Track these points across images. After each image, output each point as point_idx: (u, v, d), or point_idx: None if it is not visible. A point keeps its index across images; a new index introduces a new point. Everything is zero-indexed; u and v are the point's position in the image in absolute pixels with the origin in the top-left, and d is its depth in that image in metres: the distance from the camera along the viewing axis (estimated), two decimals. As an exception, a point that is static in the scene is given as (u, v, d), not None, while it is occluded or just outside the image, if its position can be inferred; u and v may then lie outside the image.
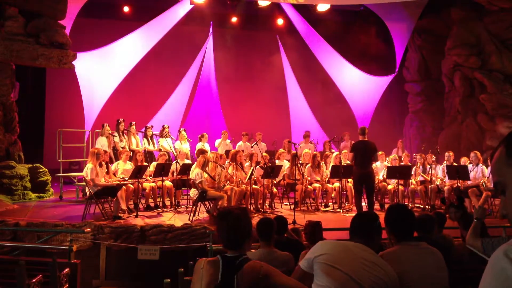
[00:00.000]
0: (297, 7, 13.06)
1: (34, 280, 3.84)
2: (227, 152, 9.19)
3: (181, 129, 10.02)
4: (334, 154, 9.09)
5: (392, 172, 8.47)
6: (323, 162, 9.12)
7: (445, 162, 8.65)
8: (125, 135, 9.32)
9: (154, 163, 8.57)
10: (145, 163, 8.29)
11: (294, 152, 8.99)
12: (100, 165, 7.50)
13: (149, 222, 6.90)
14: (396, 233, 2.66)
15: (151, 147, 9.49)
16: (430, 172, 8.57)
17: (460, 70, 11.74)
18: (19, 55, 8.76)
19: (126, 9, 12.59)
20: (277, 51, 14.24)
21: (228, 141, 10.78)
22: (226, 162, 8.20)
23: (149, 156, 8.98)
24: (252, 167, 8.19)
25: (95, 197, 7.23)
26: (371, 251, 2.32)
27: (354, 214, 8.01)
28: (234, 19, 13.63)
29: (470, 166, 8.28)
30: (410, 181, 8.82)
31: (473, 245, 3.17)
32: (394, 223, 2.66)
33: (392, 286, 2.27)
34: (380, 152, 9.31)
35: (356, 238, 2.42)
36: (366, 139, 7.64)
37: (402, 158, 9.27)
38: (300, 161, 8.79)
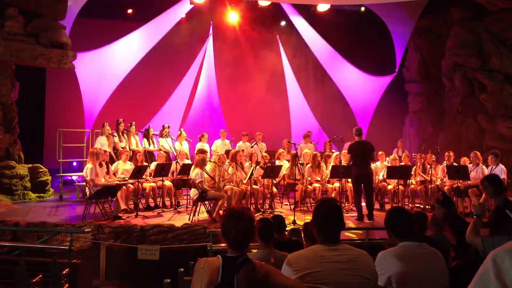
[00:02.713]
0: (297, 7, 13.06)
1: (34, 280, 3.84)
2: (227, 152, 9.19)
3: (181, 129, 10.03)
4: (335, 154, 9.09)
5: (392, 172, 8.47)
6: (323, 162, 9.12)
7: (445, 162, 8.65)
8: (124, 135, 9.32)
9: (153, 163, 8.58)
10: (145, 163, 8.29)
11: (294, 152, 8.99)
12: (100, 165, 7.51)
13: (149, 222, 6.91)
14: (395, 233, 2.68)
15: (151, 147, 9.49)
16: (430, 172, 8.57)
17: (460, 70, 11.74)
18: (19, 55, 8.76)
19: (126, 9, 12.58)
20: (277, 51, 14.23)
21: (227, 140, 10.78)
22: (226, 162, 8.20)
23: (149, 156, 8.99)
24: (252, 167, 8.19)
25: (95, 197, 7.23)
26: (342, 249, 2.22)
27: (354, 215, 7.93)
28: (234, 19, 13.63)
29: (470, 166, 8.28)
30: (410, 181, 8.81)
31: (473, 242, 3.17)
32: (393, 225, 2.69)
33: (374, 277, 2.25)
34: (380, 152, 9.32)
35: (323, 237, 2.26)
36: (362, 139, 7.65)
37: (402, 158, 9.27)
38: (300, 161, 8.79)
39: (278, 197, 9.19)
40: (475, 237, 3.11)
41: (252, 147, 9.86)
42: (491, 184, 3.93)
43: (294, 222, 6.82)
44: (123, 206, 7.43)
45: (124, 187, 7.41)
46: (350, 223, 7.30)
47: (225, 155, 8.43)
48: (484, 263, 1.21)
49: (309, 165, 8.82)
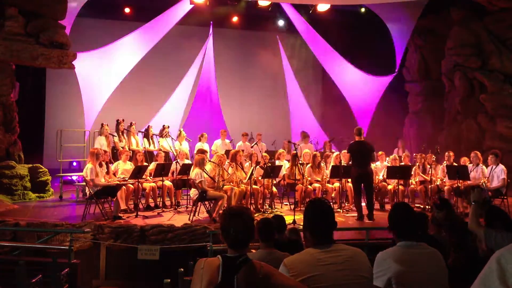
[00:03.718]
0: (297, 7, 13.05)
1: (34, 280, 3.84)
2: (227, 152, 9.19)
3: (180, 130, 10.02)
4: (335, 154, 9.09)
5: (392, 172, 8.47)
6: (324, 163, 9.12)
7: (445, 162, 8.65)
8: (124, 135, 9.32)
9: (152, 163, 8.56)
10: (145, 163, 8.29)
11: (294, 152, 8.99)
12: (100, 165, 7.51)
13: (149, 222, 6.90)
14: (397, 232, 2.66)
15: (151, 147, 9.49)
16: (430, 172, 8.57)
17: (460, 70, 11.73)
18: (19, 55, 8.76)
19: (126, 9, 12.59)
20: (277, 51, 14.23)
21: (227, 140, 10.77)
22: (226, 162, 8.20)
23: (149, 156, 8.99)
24: (252, 167, 8.19)
25: (95, 197, 7.23)
26: (336, 249, 2.20)
27: (354, 215, 7.92)
28: (234, 19, 13.64)
29: (470, 166, 8.27)
30: (410, 181, 8.81)
31: (475, 231, 3.16)
32: (397, 221, 2.66)
33: (371, 275, 2.23)
34: (380, 152, 9.32)
35: (316, 239, 2.22)
36: (362, 139, 7.65)
37: (402, 158, 9.27)
38: (300, 161, 8.79)
39: (278, 197, 9.19)
40: (478, 227, 3.10)
41: (252, 147, 9.86)
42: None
43: (294, 222, 6.82)
44: (123, 206, 7.43)
45: (124, 187, 7.41)
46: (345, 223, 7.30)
47: (225, 155, 8.43)
48: (488, 263, 1.20)
49: (309, 165, 8.82)
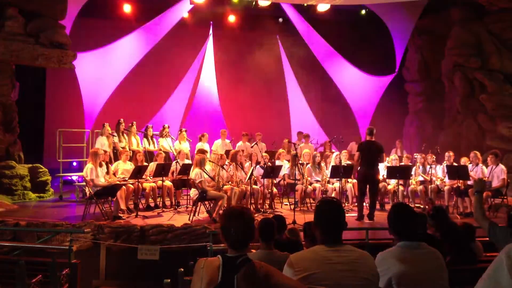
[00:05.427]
0: (297, 7, 13.05)
1: (34, 280, 3.85)
2: (227, 152, 9.19)
3: (182, 129, 10.02)
4: (335, 154, 9.09)
5: (392, 172, 8.47)
6: (324, 163, 9.13)
7: (445, 162, 8.65)
8: (125, 135, 9.31)
9: (152, 163, 8.56)
10: (145, 163, 8.29)
11: (294, 152, 8.99)
12: (100, 165, 7.50)
13: (149, 222, 6.90)
14: (397, 232, 2.66)
15: (151, 147, 9.49)
16: (430, 172, 8.57)
17: (460, 70, 11.73)
18: (19, 55, 8.76)
19: (126, 9, 12.58)
20: (277, 51, 14.23)
21: (227, 140, 10.77)
22: (226, 162, 8.20)
23: (149, 156, 8.99)
24: (252, 167, 8.19)
25: (95, 197, 7.23)
26: (344, 250, 2.20)
27: (354, 215, 7.90)
28: (234, 19, 13.63)
29: (470, 166, 8.28)
30: (410, 181, 8.81)
31: (481, 224, 3.16)
32: (396, 222, 2.66)
33: (375, 278, 2.23)
34: (382, 153, 9.32)
35: (325, 237, 2.24)
36: (373, 139, 7.63)
37: (402, 158, 9.27)
38: (300, 161, 8.79)
39: (278, 197, 9.19)
40: (483, 219, 3.09)
41: (252, 147, 9.86)
42: None
43: (294, 222, 6.82)
44: (123, 206, 7.43)
45: (124, 187, 7.41)
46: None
47: (225, 155, 8.43)
48: (497, 257, 1.24)
49: (309, 165, 8.82)
